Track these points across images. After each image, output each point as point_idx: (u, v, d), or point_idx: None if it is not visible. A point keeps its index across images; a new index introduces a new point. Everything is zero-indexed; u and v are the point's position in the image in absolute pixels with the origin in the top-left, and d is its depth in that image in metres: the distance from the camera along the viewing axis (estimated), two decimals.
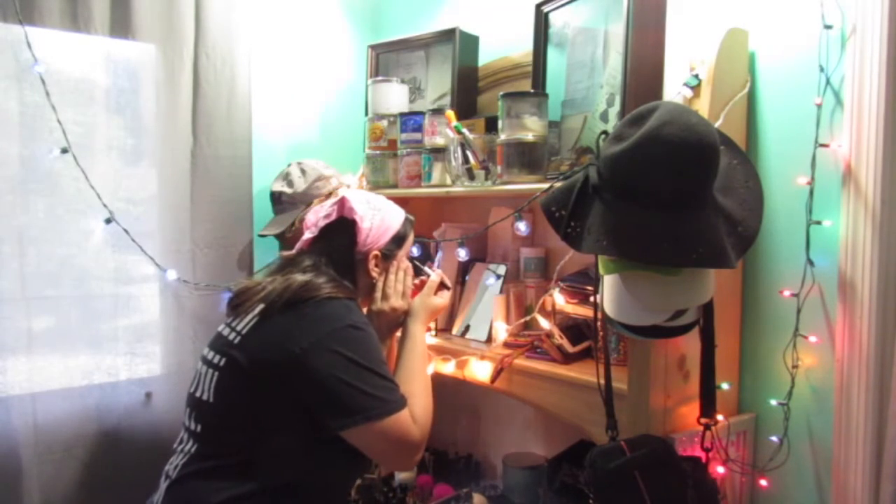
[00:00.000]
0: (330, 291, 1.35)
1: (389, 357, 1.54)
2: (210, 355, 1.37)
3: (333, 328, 1.29)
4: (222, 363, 1.32)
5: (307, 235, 1.50)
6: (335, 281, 1.40)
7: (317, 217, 1.52)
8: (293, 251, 1.52)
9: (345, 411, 1.26)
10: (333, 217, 1.49)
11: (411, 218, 1.60)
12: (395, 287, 1.54)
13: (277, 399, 1.27)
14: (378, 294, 1.53)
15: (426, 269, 1.66)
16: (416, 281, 1.63)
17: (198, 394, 1.34)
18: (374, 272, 1.50)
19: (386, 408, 1.28)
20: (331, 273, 1.41)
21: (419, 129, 1.90)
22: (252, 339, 1.31)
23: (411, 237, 1.60)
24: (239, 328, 1.34)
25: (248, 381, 1.29)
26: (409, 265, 1.59)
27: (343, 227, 1.48)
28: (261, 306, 1.34)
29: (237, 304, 1.40)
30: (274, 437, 1.28)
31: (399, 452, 1.33)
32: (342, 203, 1.49)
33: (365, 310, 1.51)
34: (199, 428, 1.33)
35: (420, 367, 1.47)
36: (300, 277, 1.37)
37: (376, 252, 1.49)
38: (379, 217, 1.50)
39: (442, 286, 1.65)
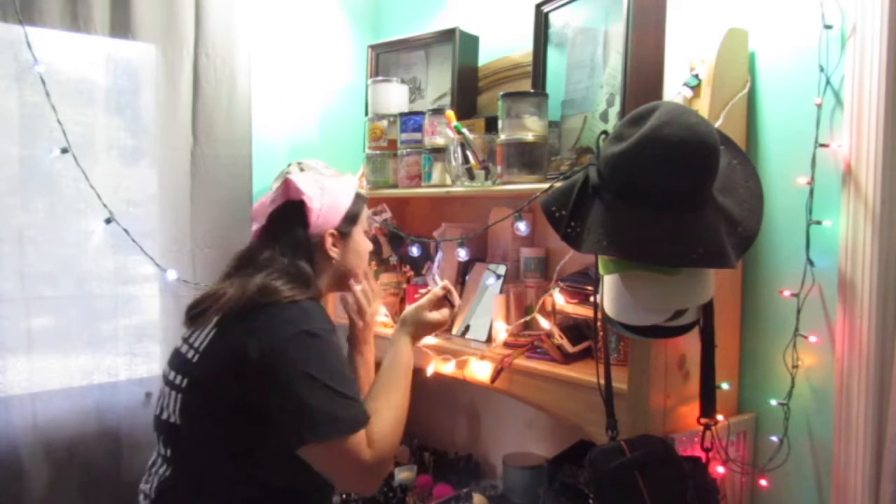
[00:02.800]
0: (287, 295, 1.26)
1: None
2: (172, 375, 1.30)
3: (285, 337, 1.20)
4: (184, 384, 1.26)
5: (255, 226, 1.44)
6: (293, 282, 1.30)
7: (262, 206, 1.44)
8: (246, 246, 1.45)
9: (294, 430, 1.16)
10: (280, 201, 1.41)
11: (363, 194, 1.54)
12: (367, 297, 1.54)
13: (241, 413, 1.20)
14: (354, 314, 1.54)
15: (433, 279, 1.61)
16: (424, 290, 1.59)
17: (164, 416, 1.28)
18: (334, 252, 1.43)
19: (338, 427, 1.17)
20: (289, 268, 1.33)
21: (419, 129, 1.90)
22: (209, 356, 1.24)
23: (365, 212, 1.53)
24: (196, 344, 1.27)
25: (210, 400, 1.23)
26: (370, 270, 1.55)
27: (292, 211, 1.40)
28: (216, 317, 1.26)
29: (195, 316, 1.32)
30: (248, 451, 1.22)
31: (349, 476, 1.22)
32: (287, 185, 1.41)
33: (339, 296, 1.50)
34: (170, 452, 1.28)
35: (395, 384, 1.36)
36: (256, 281, 1.28)
37: (332, 231, 1.43)
38: (329, 197, 1.43)
39: (445, 301, 1.54)
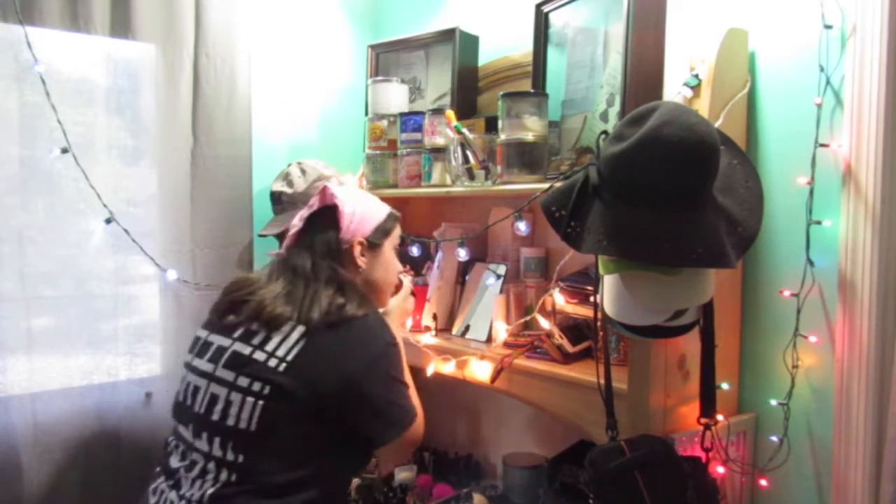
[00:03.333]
0: (359, 310, 1.34)
1: None
2: (241, 381, 1.27)
3: (378, 350, 1.34)
4: (266, 391, 1.25)
5: (293, 230, 1.48)
6: (354, 290, 1.38)
7: (302, 213, 1.50)
8: (283, 250, 1.49)
9: (389, 426, 1.33)
10: (316, 206, 1.47)
11: (396, 213, 1.58)
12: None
13: (332, 422, 1.28)
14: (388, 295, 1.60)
15: (401, 275, 1.66)
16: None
17: (230, 422, 1.25)
18: (361, 261, 1.46)
19: (411, 415, 1.37)
20: (340, 277, 1.39)
21: (419, 129, 1.90)
22: (303, 366, 1.26)
23: (397, 231, 1.57)
24: (280, 353, 1.27)
25: (303, 409, 1.26)
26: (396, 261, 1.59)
27: (326, 215, 1.45)
28: (301, 328, 1.29)
29: (269, 320, 1.31)
30: (319, 456, 1.28)
31: (413, 447, 1.49)
32: (323, 191, 1.47)
33: None
34: (240, 458, 1.24)
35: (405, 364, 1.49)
36: (328, 294, 1.34)
37: (361, 240, 1.46)
38: (362, 206, 1.49)
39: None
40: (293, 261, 1.42)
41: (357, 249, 1.46)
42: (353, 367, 1.28)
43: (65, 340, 1.88)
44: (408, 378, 1.43)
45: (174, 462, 1.32)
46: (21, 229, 1.80)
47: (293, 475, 1.25)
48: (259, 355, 1.28)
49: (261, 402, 1.25)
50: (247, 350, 1.30)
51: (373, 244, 1.49)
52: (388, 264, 1.55)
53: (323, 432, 1.28)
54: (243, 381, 1.27)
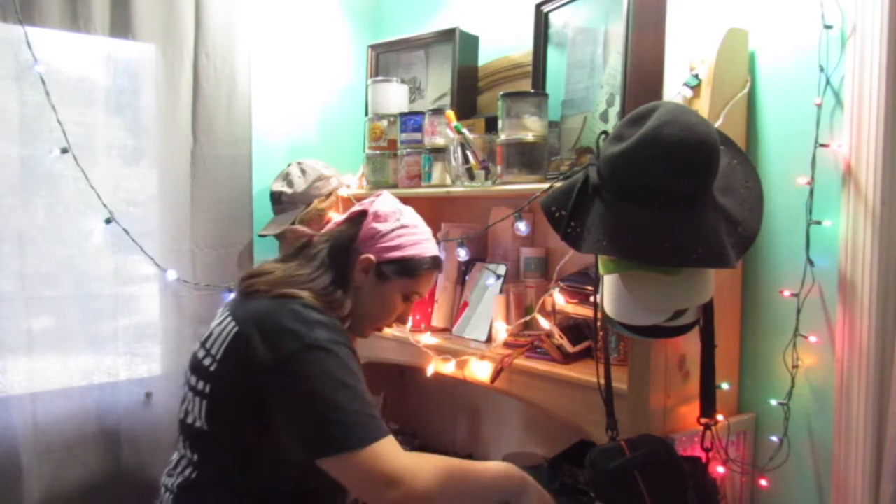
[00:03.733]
0: (309, 301, 1.26)
1: None
2: (193, 381, 1.28)
3: (294, 349, 1.18)
4: (207, 390, 1.24)
5: (337, 219, 1.47)
6: (337, 290, 1.32)
7: (355, 207, 1.47)
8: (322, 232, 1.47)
9: (306, 441, 1.17)
10: (361, 208, 1.42)
11: (432, 264, 1.43)
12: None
13: (258, 422, 1.21)
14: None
15: None
16: None
17: (189, 420, 1.28)
18: (359, 277, 1.37)
19: (351, 438, 1.14)
20: (330, 266, 1.34)
21: (419, 129, 1.90)
22: (225, 362, 1.25)
23: (425, 279, 1.44)
24: (213, 351, 1.27)
25: (231, 407, 1.24)
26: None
27: (360, 218, 1.41)
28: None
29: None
30: (267, 455, 1.24)
31: (380, 490, 1.14)
32: (376, 196, 1.44)
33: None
34: (196, 457, 1.27)
35: (465, 475, 1.26)
36: (310, 273, 1.32)
37: (370, 256, 1.36)
38: (397, 229, 1.39)
39: None
40: (308, 247, 1.39)
41: (360, 265, 1.37)
42: (264, 365, 1.17)
43: (65, 340, 1.88)
44: (362, 394, 1.19)
45: (174, 459, 1.35)
46: (21, 229, 1.80)
47: (245, 474, 1.24)
48: (200, 353, 1.28)
49: (205, 402, 1.24)
50: (197, 350, 1.30)
51: (381, 272, 1.38)
52: (385, 303, 1.42)
53: (263, 434, 1.22)
54: (193, 381, 1.28)
